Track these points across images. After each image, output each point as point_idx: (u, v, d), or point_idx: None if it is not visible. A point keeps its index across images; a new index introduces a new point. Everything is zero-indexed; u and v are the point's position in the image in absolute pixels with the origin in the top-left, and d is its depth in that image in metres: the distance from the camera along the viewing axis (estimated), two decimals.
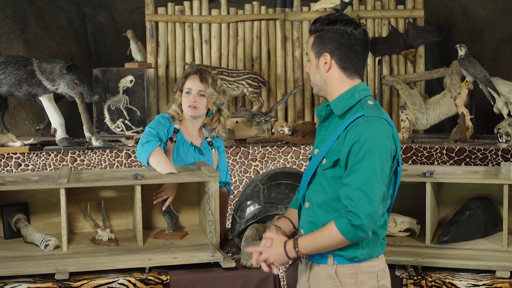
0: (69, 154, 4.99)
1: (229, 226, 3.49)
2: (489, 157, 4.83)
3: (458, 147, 4.96)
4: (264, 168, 5.14)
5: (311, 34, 2.31)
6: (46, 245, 2.92)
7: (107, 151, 5.03)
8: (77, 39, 7.07)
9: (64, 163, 4.97)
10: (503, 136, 4.89)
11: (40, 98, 5.16)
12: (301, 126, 5.41)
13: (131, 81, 5.50)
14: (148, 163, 3.16)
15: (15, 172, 4.85)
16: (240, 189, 5.07)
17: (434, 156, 5.01)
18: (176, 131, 3.38)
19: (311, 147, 5.19)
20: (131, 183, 2.96)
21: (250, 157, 5.16)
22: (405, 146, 5.11)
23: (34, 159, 4.94)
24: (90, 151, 5.02)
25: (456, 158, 4.94)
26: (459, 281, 2.64)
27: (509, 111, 5.38)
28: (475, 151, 4.89)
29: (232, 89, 5.85)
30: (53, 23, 6.83)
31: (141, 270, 2.77)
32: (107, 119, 5.41)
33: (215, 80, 3.42)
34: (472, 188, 3.17)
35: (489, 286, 2.61)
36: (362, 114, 2.19)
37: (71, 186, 2.91)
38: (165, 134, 3.29)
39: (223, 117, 3.49)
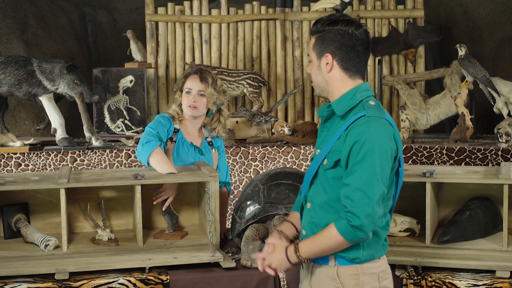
0: (69, 154, 4.99)
1: (229, 226, 3.49)
2: (489, 157, 4.83)
3: (458, 147, 4.96)
4: (264, 168, 5.14)
5: (312, 35, 2.31)
6: (46, 245, 2.92)
7: (107, 151, 5.03)
8: (77, 39, 7.07)
9: (64, 163, 4.97)
10: (503, 136, 4.89)
11: (40, 98, 5.16)
12: (301, 126, 5.41)
13: (131, 81, 5.50)
14: (148, 163, 3.16)
15: (15, 172, 4.85)
16: (240, 189, 5.07)
17: (434, 156, 5.01)
18: (176, 131, 3.38)
19: (311, 147, 5.19)
20: (131, 183, 2.96)
21: (250, 157, 5.16)
22: (405, 146, 5.11)
23: (34, 159, 4.94)
24: (90, 151, 5.02)
25: (456, 158, 4.94)
26: (459, 281, 2.64)
27: (509, 111, 5.38)
28: (475, 151, 4.89)
29: (232, 89, 5.85)
30: (53, 23, 6.83)
31: (141, 270, 2.77)
32: (107, 119, 5.41)
33: (215, 80, 3.42)
34: (472, 188, 3.17)
35: (489, 286, 2.61)
36: (363, 114, 2.19)
37: (71, 186, 2.91)
38: (165, 134, 3.29)
39: (223, 117, 3.49)
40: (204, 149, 3.42)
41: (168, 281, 2.70)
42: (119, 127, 5.48)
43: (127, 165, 5.01)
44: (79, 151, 5.01)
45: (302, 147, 5.20)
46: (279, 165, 5.14)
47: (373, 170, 2.12)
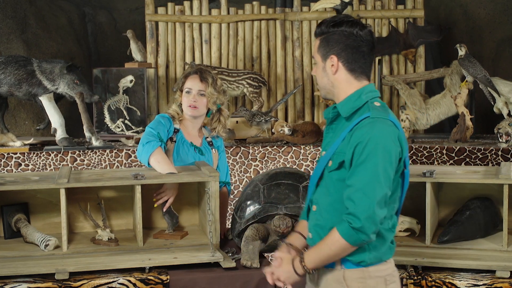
0: (69, 154, 4.99)
1: (229, 226, 3.49)
2: (489, 157, 4.83)
3: (458, 147, 4.96)
4: (264, 168, 5.14)
5: (316, 36, 2.29)
6: (46, 245, 2.92)
7: (107, 151, 5.03)
8: (77, 39, 7.07)
9: (64, 163, 4.97)
10: (503, 136, 4.89)
11: (40, 98, 5.16)
12: (301, 126, 5.41)
13: (131, 81, 5.50)
14: (149, 164, 3.16)
15: (15, 172, 4.85)
16: (240, 189, 5.07)
17: (434, 156, 5.01)
18: (176, 131, 3.38)
19: (311, 147, 5.19)
20: (131, 183, 2.96)
21: (250, 157, 5.16)
22: None
23: (34, 159, 4.94)
24: (90, 151, 5.02)
25: (456, 158, 4.94)
26: (459, 281, 2.64)
27: (509, 111, 5.38)
28: (475, 151, 4.89)
29: (232, 89, 5.85)
30: (53, 23, 6.83)
31: (141, 270, 2.77)
32: (107, 119, 5.41)
33: (215, 79, 3.42)
34: (472, 188, 3.17)
35: (489, 286, 2.61)
36: (368, 115, 2.17)
37: (71, 186, 2.91)
38: (165, 134, 3.29)
39: (223, 117, 3.49)
40: (204, 149, 3.42)
41: (168, 281, 2.70)
42: (119, 127, 5.48)
43: (127, 165, 5.01)
44: (79, 151, 5.01)
45: (302, 147, 5.20)
46: (279, 165, 5.14)
47: (375, 171, 2.11)
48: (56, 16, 6.93)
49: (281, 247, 2.38)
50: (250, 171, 5.14)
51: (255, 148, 5.17)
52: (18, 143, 5.11)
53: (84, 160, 5.00)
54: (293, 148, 5.19)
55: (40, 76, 5.06)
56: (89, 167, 4.98)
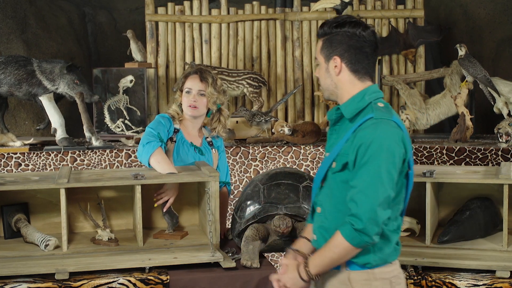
0: (69, 154, 4.99)
1: (229, 226, 3.49)
2: (489, 157, 4.83)
3: (458, 147, 4.96)
4: (264, 168, 5.14)
5: (319, 37, 2.27)
6: (46, 245, 2.92)
7: (107, 151, 5.03)
8: (77, 39, 7.07)
9: (64, 163, 4.97)
10: (503, 136, 4.89)
11: (40, 98, 5.16)
12: (301, 126, 5.41)
13: (131, 81, 5.50)
14: (149, 164, 3.16)
15: (15, 172, 4.85)
16: (240, 189, 5.07)
17: (434, 156, 5.01)
18: (176, 131, 3.38)
19: (311, 147, 5.19)
20: (131, 183, 2.96)
21: (250, 157, 5.15)
22: None
23: (34, 159, 4.94)
24: (90, 151, 5.02)
25: (456, 158, 4.94)
26: (459, 281, 2.64)
27: (509, 111, 5.38)
28: (475, 151, 4.89)
29: (232, 89, 5.85)
30: (53, 23, 6.83)
31: (141, 270, 2.77)
32: (107, 119, 5.41)
33: (215, 79, 3.42)
34: (472, 188, 3.17)
35: (489, 286, 2.61)
36: (371, 116, 2.16)
37: (71, 186, 2.91)
38: (165, 134, 3.29)
39: (223, 117, 3.49)
40: (204, 149, 3.42)
41: (168, 281, 2.70)
42: (119, 127, 5.48)
43: (127, 165, 5.01)
44: (79, 151, 5.01)
45: (302, 147, 5.20)
46: (279, 165, 5.14)
47: (378, 172, 2.10)
48: (56, 16, 6.93)
49: (287, 254, 2.36)
50: (250, 171, 5.14)
51: (255, 148, 5.17)
52: (18, 143, 5.10)
53: (84, 160, 5.00)
54: (293, 148, 5.19)
55: (40, 76, 5.06)
56: (89, 167, 4.98)
